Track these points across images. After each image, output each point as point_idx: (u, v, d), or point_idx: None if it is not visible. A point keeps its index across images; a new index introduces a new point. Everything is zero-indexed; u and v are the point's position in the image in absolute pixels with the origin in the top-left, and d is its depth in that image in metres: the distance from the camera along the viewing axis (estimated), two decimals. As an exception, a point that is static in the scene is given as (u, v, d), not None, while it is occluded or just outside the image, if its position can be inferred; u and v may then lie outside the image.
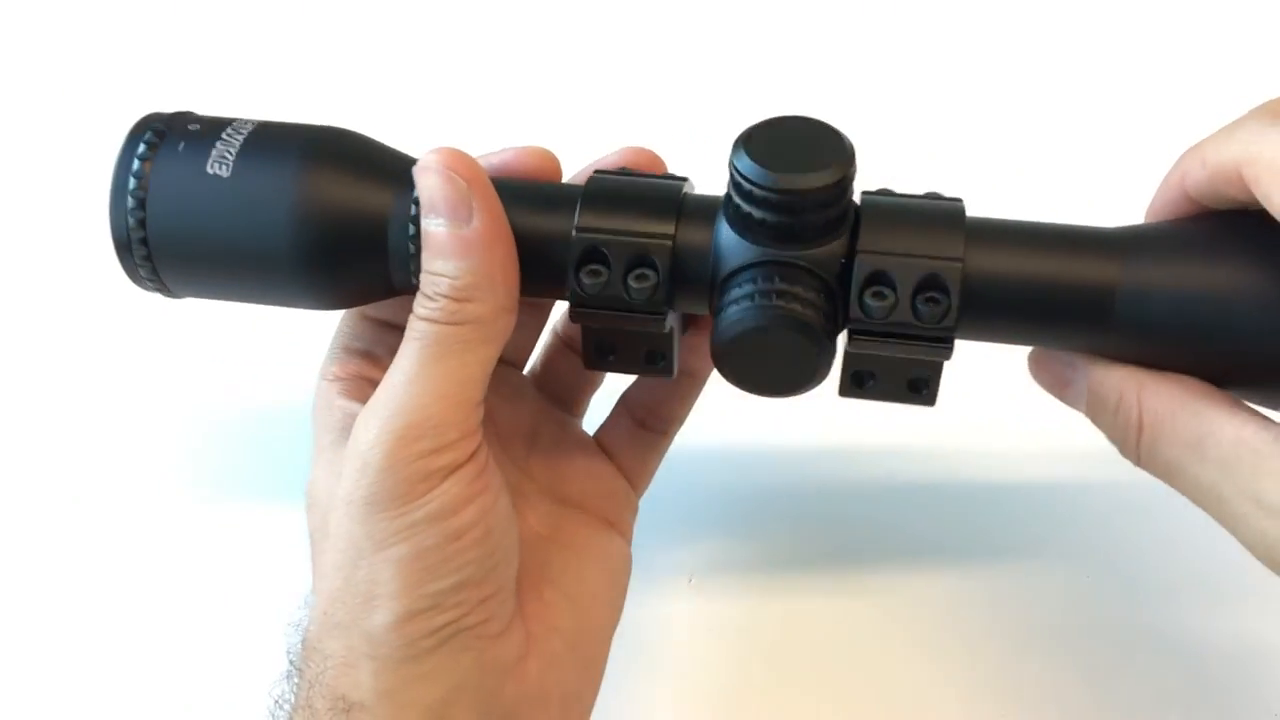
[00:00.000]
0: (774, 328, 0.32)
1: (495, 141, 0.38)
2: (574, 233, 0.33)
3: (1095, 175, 0.61)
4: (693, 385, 0.41)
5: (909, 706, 0.42)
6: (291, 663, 0.34)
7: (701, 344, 0.38)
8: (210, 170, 0.34)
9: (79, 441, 0.50)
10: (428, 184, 0.33)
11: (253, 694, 0.35)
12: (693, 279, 0.33)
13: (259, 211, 0.34)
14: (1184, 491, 0.31)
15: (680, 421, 0.42)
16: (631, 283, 0.33)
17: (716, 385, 0.35)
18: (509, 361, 0.40)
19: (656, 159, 0.37)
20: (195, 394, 0.52)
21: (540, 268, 0.34)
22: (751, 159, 0.31)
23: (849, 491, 0.48)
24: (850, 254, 0.32)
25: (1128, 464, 0.33)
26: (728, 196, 0.33)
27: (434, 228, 0.33)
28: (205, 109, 0.37)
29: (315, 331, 0.40)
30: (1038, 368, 0.36)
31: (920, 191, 0.34)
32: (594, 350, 0.36)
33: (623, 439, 0.41)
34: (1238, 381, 0.32)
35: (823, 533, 0.47)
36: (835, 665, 0.43)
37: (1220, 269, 0.31)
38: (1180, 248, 0.32)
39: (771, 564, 0.46)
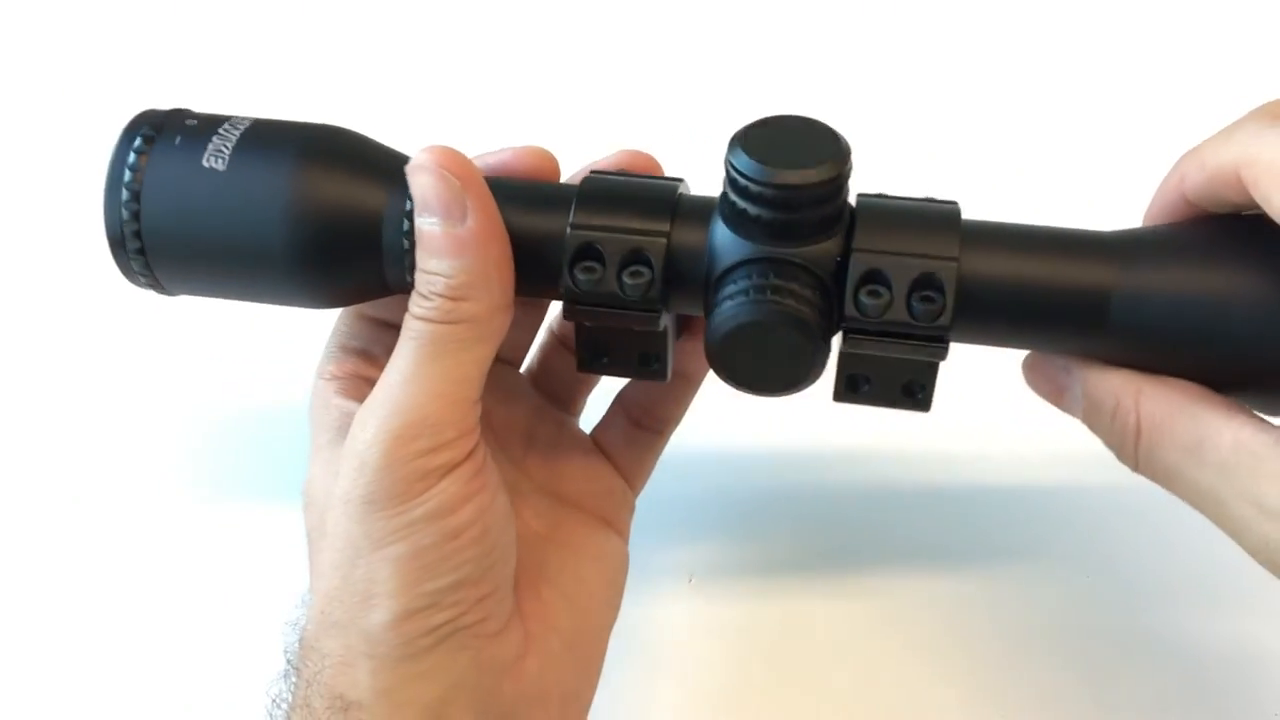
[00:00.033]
0: (769, 322, 0.32)
1: (493, 141, 0.37)
2: (569, 230, 0.33)
3: (1095, 176, 0.61)
4: (688, 387, 0.41)
5: (908, 708, 0.42)
6: (289, 662, 0.34)
7: (696, 347, 0.38)
8: (206, 164, 0.34)
9: (79, 441, 0.50)
10: (421, 183, 0.33)
11: (253, 694, 0.35)
12: (687, 278, 0.33)
13: (253, 207, 0.34)
14: (1183, 496, 0.31)
15: (676, 422, 0.42)
16: (626, 279, 0.33)
17: (717, 387, 0.35)
18: (505, 360, 0.40)
19: (653, 162, 0.37)
20: (193, 393, 0.52)
21: (535, 266, 0.34)
22: (748, 154, 0.31)
23: (849, 493, 0.48)
24: (845, 253, 0.32)
25: (1126, 468, 0.33)
26: (723, 194, 0.33)
27: (428, 226, 0.33)
28: (201, 107, 0.37)
29: (312, 330, 0.39)
30: (1032, 374, 0.36)
31: (916, 196, 0.34)
32: (587, 352, 0.36)
33: (619, 438, 0.41)
34: (1235, 386, 0.32)
35: (822, 534, 0.47)
36: (835, 666, 0.43)
37: (1217, 273, 0.31)
38: (1177, 251, 0.32)
39: (771, 565, 0.46)
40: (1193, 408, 0.31)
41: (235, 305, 0.39)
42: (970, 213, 0.34)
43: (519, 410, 0.40)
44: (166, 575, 0.46)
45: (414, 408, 0.32)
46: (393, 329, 0.34)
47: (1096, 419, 0.33)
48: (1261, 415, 0.31)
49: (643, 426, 0.41)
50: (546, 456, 0.40)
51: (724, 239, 0.33)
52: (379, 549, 0.32)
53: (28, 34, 0.72)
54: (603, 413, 0.42)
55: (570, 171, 0.38)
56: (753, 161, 0.31)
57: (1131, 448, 0.32)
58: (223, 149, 0.35)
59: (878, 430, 0.40)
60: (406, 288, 0.34)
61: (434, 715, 0.33)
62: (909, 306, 0.32)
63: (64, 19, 0.73)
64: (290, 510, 0.37)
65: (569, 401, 0.42)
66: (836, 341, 0.34)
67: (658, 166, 0.37)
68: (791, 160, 0.31)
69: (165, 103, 0.37)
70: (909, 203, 0.34)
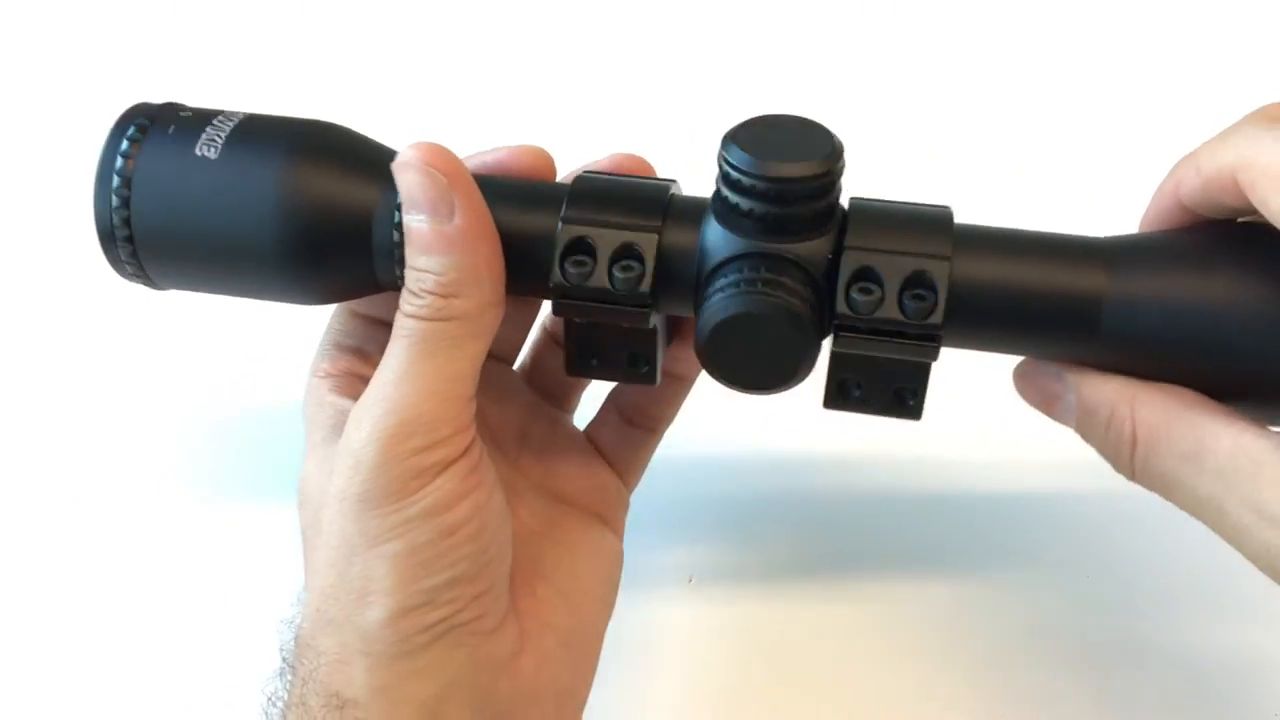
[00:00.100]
0: (759, 313, 0.31)
1: (490, 140, 0.37)
2: (560, 224, 0.33)
3: (1095, 176, 0.61)
4: (680, 388, 0.41)
5: (907, 709, 0.42)
6: (284, 660, 0.34)
7: (687, 350, 0.38)
8: (199, 152, 0.34)
9: (78, 441, 0.50)
10: (407, 180, 0.33)
11: (252, 693, 0.35)
12: (678, 277, 0.33)
13: (244, 200, 0.34)
14: (1181, 504, 0.31)
15: (668, 421, 0.42)
16: (617, 273, 0.33)
17: (717, 389, 0.35)
18: (499, 357, 0.40)
19: (646, 165, 0.37)
20: (190, 392, 0.52)
21: (527, 264, 0.34)
22: (741, 148, 0.32)
23: (849, 496, 0.48)
24: (837, 250, 0.32)
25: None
26: (716, 191, 0.33)
27: (416, 224, 0.33)
28: (194, 104, 0.37)
29: (307, 329, 0.39)
30: (1024, 384, 0.35)
31: (909, 200, 0.34)
32: (576, 352, 0.36)
33: (612, 435, 0.41)
34: (1231, 394, 0.31)
35: (822, 536, 0.47)
36: (834, 667, 0.43)
37: (1213, 279, 0.31)
38: (1171, 257, 0.32)
39: (771, 566, 0.46)
40: (1190, 414, 0.31)
41: (232, 305, 0.39)
42: (970, 212, 0.34)
43: (513, 408, 0.40)
44: (164, 574, 0.46)
45: (408, 406, 0.32)
46: (387, 327, 0.34)
47: (1091, 427, 0.33)
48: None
49: (636, 424, 0.41)
50: (540, 454, 0.40)
51: (716, 236, 0.33)
52: (374, 546, 0.32)
53: (19, 31, 0.72)
54: (596, 410, 0.42)
55: (566, 173, 0.38)
56: (746, 155, 0.31)
57: (1128, 456, 0.32)
58: (216, 139, 0.35)
59: (878, 434, 0.40)
60: (397, 285, 0.34)
61: (430, 712, 0.33)
62: (900, 304, 0.32)
63: (56, 17, 0.73)
64: (285, 508, 0.37)
65: (563, 398, 0.42)
66: (827, 344, 0.33)
67: (650, 169, 0.37)
68: (784, 154, 0.31)
69: (155, 99, 0.37)
70: (901, 204, 0.34)
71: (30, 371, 0.53)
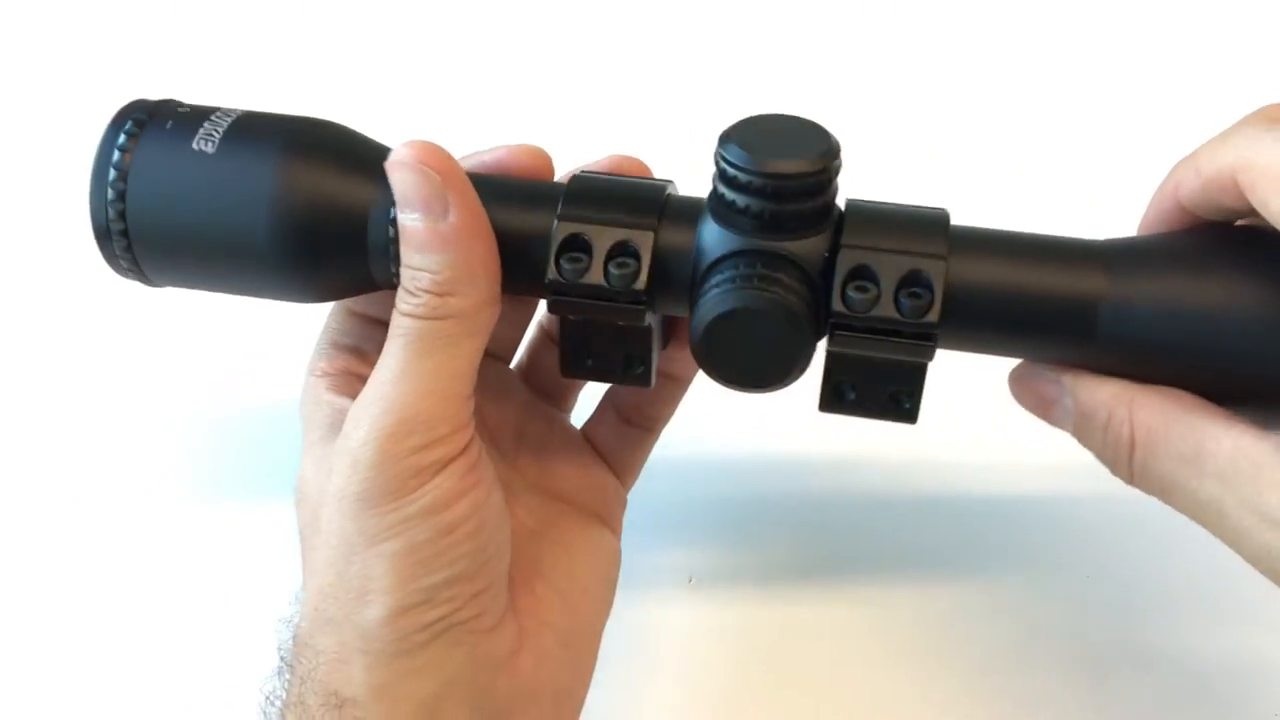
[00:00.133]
0: (755, 308, 0.31)
1: (487, 139, 0.37)
2: (556, 221, 0.33)
3: (1095, 176, 0.61)
4: (677, 388, 0.41)
5: (906, 711, 0.42)
6: (282, 659, 0.34)
7: (684, 352, 0.37)
8: (196, 146, 0.34)
9: (78, 441, 0.50)
10: (401, 179, 0.32)
11: (252, 693, 0.35)
12: (674, 277, 0.33)
13: (239, 196, 0.34)
14: (1180, 508, 0.31)
15: (666, 420, 0.42)
16: (612, 269, 0.33)
17: (717, 389, 0.35)
18: (495, 355, 0.40)
19: (643, 166, 0.37)
20: (188, 392, 0.52)
21: (522, 262, 0.34)
22: (738, 145, 0.32)
23: (849, 498, 0.48)
24: (833, 250, 0.32)
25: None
26: (713, 190, 0.33)
27: (410, 222, 0.32)
28: (190, 101, 0.37)
29: (306, 329, 0.39)
30: (1019, 388, 0.35)
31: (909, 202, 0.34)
32: (571, 353, 0.36)
33: (609, 434, 0.41)
34: (1229, 396, 0.31)
35: (822, 538, 0.47)
36: (834, 668, 0.43)
37: (1211, 282, 0.31)
38: (1169, 260, 0.32)
39: (771, 567, 0.46)
40: (1188, 417, 0.31)
41: (230, 305, 0.39)
42: (970, 212, 0.34)
43: (510, 407, 0.40)
44: (164, 574, 0.46)
45: (406, 405, 0.32)
46: (384, 325, 0.34)
47: (1088, 431, 0.33)
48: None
49: (633, 424, 0.41)
50: (538, 453, 0.40)
51: (712, 235, 0.33)
52: (373, 545, 0.32)
53: (16, 30, 0.72)
54: (593, 409, 0.42)
55: (563, 174, 0.38)
56: (743, 151, 0.31)
57: (1126, 460, 0.32)
58: (213, 134, 0.35)
59: (878, 437, 0.39)
60: (393, 283, 0.34)
61: (429, 711, 0.33)
62: (896, 302, 0.31)
63: (53, 15, 0.73)
64: (283, 507, 0.37)
65: (560, 397, 0.42)
66: (823, 346, 0.33)
67: (647, 170, 0.37)
68: (781, 151, 0.32)
69: (152, 97, 0.37)
70: (898, 206, 0.34)
71: (30, 372, 0.53)
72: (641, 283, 0.33)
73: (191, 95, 0.37)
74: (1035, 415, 0.35)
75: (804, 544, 0.47)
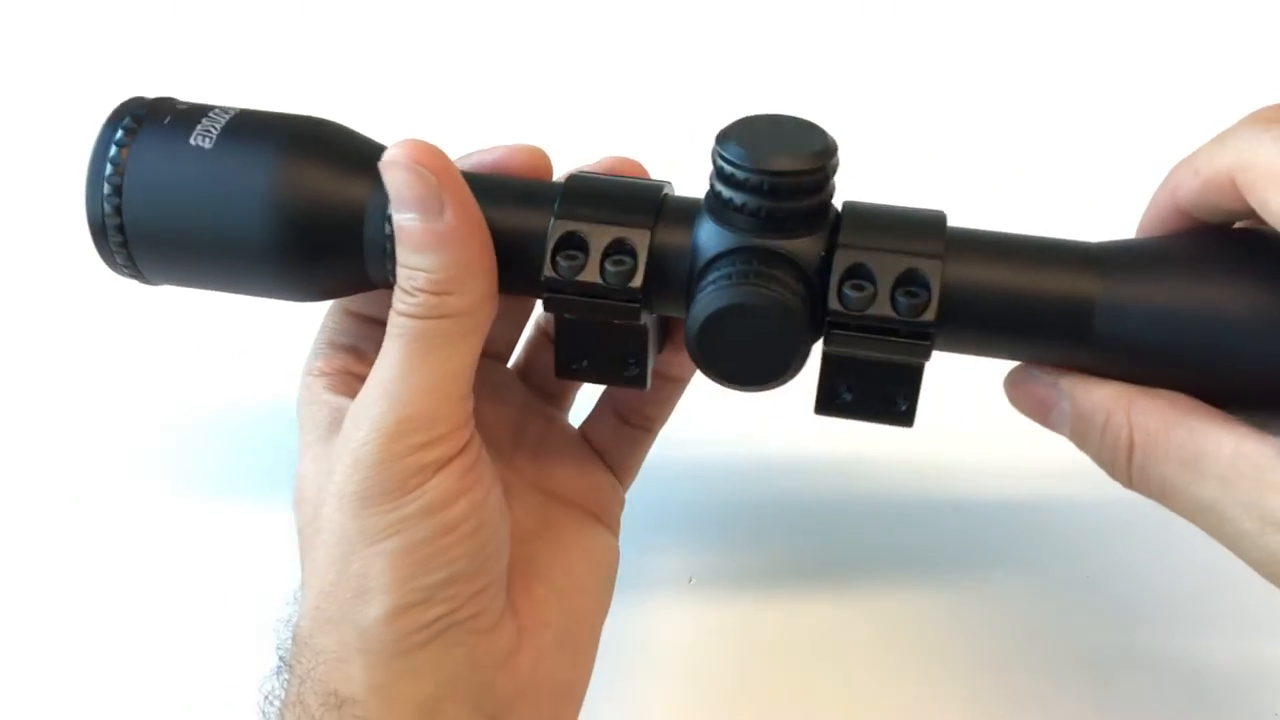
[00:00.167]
0: (751, 304, 0.31)
1: (487, 140, 0.37)
2: (553, 220, 0.33)
3: (1095, 176, 0.61)
4: (675, 389, 0.41)
5: (905, 712, 0.42)
6: (281, 659, 0.34)
7: (681, 353, 0.37)
8: (193, 142, 0.34)
9: (78, 441, 0.50)
10: (395, 179, 0.32)
11: (252, 693, 0.35)
12: (671, 276, 0.33)
13: (236, 194, 0.34)
14: (1179, 510, 0.31)
15: (664, 420, 0.41)
16: (608, 266, 0.33)
17: (717, 390, 0.35)
18: (493, 355, 0.40)
19: (640, 167, 0.37)
20: (186, 393, 0.52)
21: (519, 262, 0.34)
22: (735, 143, 0.32)
23: (850, 498, 0.48)
24: (830, 249, 0.32)
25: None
26: (709, 189, 0.33)
27: (406, 222, 0.32)
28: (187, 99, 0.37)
29: (304, 329, 0.39)
30: (1015, 392, 0.35)
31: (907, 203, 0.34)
32: (566, 354, 0.36)
33: (607, 434, 0.41)
34: (1227, 399, 0.31)
35: (823, 538, 0.47)
36: (834, 668, 0.43)
37: (1207, 284, 0.31)
38: (1166, 262, 0.32)
39: (771, 568, 0.46)
40: (1188, 420, 0.30)
41: (229, 306, 0.39)
42: (970, 212, 0.34)
43: (507, 406, 0.40)
44: (163, 574, 0.46)
45: (407, 403, 0.32)
46: (381, 325, 0.34)
47: (1086, 434, 0.33)
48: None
49: (631, 424, 0.41)
50: (536, 452, 0.40)
51: (709, 234, 0.33)
52: (373, 544, 0.32)
53: (12, 28, 0.72)
54: (591, 408, 0.42)
55: (561, 175, 0.38)
56: (741, 149, 0.32)
57: (1124, 463, 0.32)
58: (211, 130, 0.35)
59: (879, 438, 0.39)
60: (390, 282, 0.34)
61: (428, 711, 0.33)
62: (893, 301, 0.31)
63: (49, 13, 0.73)
64: (282, 507, 0.37)
65: (558, 397, 0.42)
66: (819, 348, 0.33)
67: (644, 171, 0.37)
68: (779, 149, 0.32)
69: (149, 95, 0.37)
70: (894, 207, 0.34)
71: (30, 372, 0.53)
72: (637, 281, 0.33)
73: (189, 94, 0.37)
74: (1032, 419, 0.35)
75: (804, 544, 0.47)
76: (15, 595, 0.45)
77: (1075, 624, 0.44)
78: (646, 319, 0.34)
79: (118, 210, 0.35)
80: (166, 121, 0.35)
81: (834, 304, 0.32)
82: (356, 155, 0.35)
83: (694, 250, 0.33)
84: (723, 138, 0.32)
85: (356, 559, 0.32)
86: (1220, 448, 0.29)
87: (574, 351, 0.36)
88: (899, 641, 0.44)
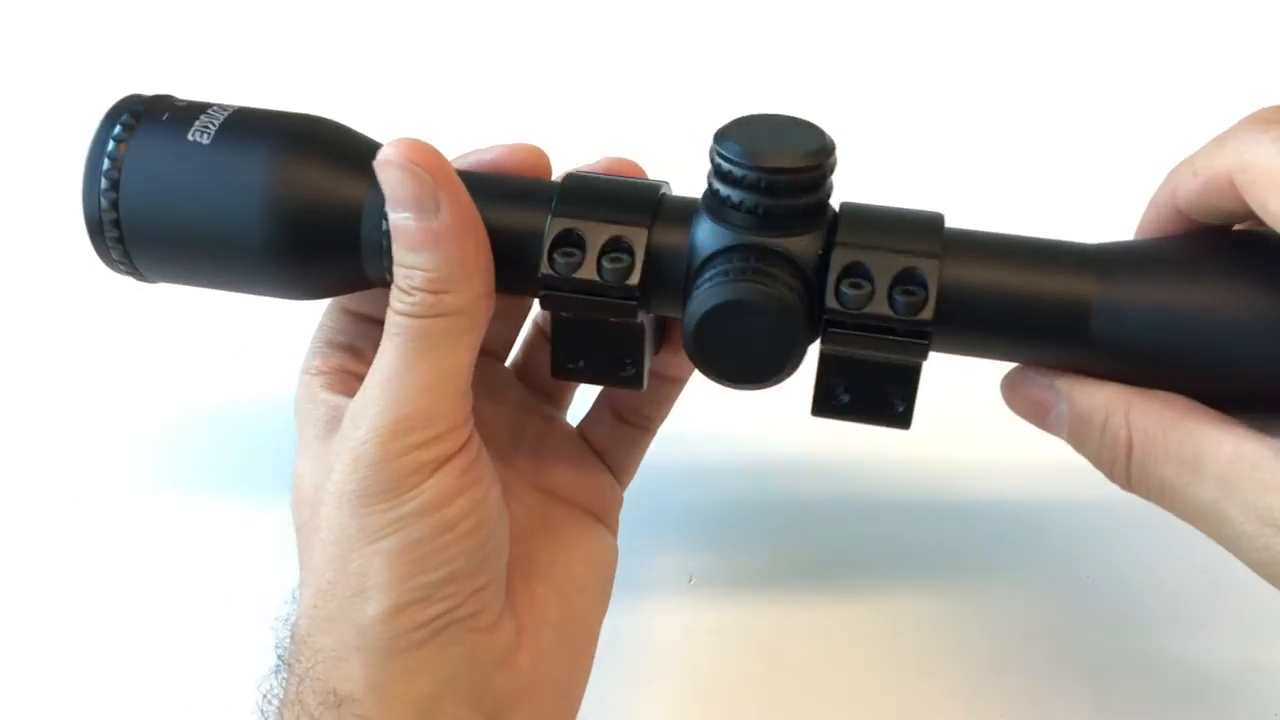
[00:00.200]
0: (748, 300, 0.31)
1: (485, 139, 0.37)
2: (550, 217, 0.33)
3: (1095, 177, 0.61)
4: (672, 388, 0.41)
5: (904, 712, 0.42)
6: (280, 657, 0.34)
7: (678, 354, 0.37)
8: (192, 138, 0.34)
9: (78, 441, 0.50)
10: (390, 178, 0.32)
11: (252, 693, 0.35)
12: (668, 275, 0.33)
13: (232, 191, 0.34)
14: (1179, 512, 0.31)
15: (661, 419, 0.41)
16: (605, 263, 0.33)
17: (717, 389, 0.35)
18: (490, 353, 0.40)
19: (637, 168, 0.37)
20: (185, 392, 0.52)
21: (517, 260, 0.34)
22: (734, 140, 0.32)
23: (850, 499, 0.48)
24: (828, 248, 0.32)
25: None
26: (707, 187, 0.33)
27: (402, 221, 0.32)
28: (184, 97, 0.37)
29: (300, 327, 0.39)
30: (1012, 394, 0.35)
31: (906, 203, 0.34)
32: (562, 353, 0.36)
33: (605, 433, 0.41)
34: (1225, 400, 0.31)
35: (823, 539, 0.47)
36: (834, 668, 0.43)
37: (1204, 286, 0.31)
38: (1163, 263, 0.32)
39: (771, 567, 0.46)
40: (1186, 421, 0.30)
41: (227, 305, 0.39)
42: (970, 212, 0.34)
43: (505, 405, 0.40)
44: (163, 574, 0.46)
45: (405, 402, 0.32)
46: (378, 324, 0.34)
47: (1084, 436, 0.32)
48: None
49: (629, 422, 0.41)
50: (534, 451, 0.40)
51: (706, 232, 0.33)
52: (372, 542, 0.32)
53: (9, 27, 0.72)
54: (589, 407, 0.42)
55: (559, 175, 0.38)
56: (739, 146, 0.32)
57: (1123, 464, 0.31)
58: (209, 125, 0.35)
59: (879, 438, 0.40)
60: (386, 281, 0.34)
61: (427, 709, 0.33)
62: (890, 299, 0.31)
63: (46, 11, 0.73)
64: (280, 506, 0.37)
65: (556, 396, 0.42)
66: (816, 349, 0.33)
67: (641, 172, 0.37)
68: (777, 146, 0.32)
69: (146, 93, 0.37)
70: (891, 208, 0.34)
71: (29, 372, 0.53)
72: (635, 278, 0.33)
73: (186, 92, 0.37)
74: (1029, 421, 0.34)
75: (804, 544, 0.47)
76: (15, 595, 0.45)
77: (1074, 625, 0.44)
78: (643, 318, 0.34)
79: (114, 205, 0.35)
80: (165, 118, 0.35)
81: (831, 302, 0.32)
82: (354, 153, 0.35)
83: (691, 248, 0.33)
84: (721, 136, 0.32)
85: (355, 557, 0.32)
86: (1219, 449, 0.29)
87: (570, 351, 0.36)
88: (898, 641, 0.44)
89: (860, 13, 0.71)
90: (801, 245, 0.32)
